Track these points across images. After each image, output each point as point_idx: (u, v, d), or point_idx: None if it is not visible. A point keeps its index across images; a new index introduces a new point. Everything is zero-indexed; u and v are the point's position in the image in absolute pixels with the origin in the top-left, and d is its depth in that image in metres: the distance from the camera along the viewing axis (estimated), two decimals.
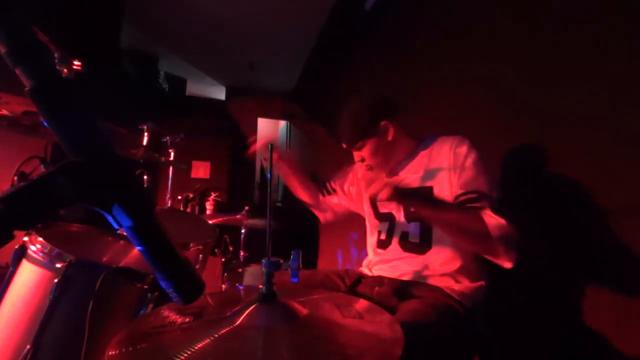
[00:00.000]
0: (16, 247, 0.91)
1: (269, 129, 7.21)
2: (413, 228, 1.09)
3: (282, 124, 7.11)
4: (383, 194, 0.89)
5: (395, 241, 1.13)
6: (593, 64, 1.06)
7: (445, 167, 1.04)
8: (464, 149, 1.03)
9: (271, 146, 0.78)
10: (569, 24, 1.15)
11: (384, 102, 1.16)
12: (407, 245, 1.10)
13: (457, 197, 0.98)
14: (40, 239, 0.88)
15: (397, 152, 1.15)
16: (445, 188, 1.02)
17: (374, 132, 1.11)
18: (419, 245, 1.07)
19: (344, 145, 1.17)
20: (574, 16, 1.14)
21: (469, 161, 1.00)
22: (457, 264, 1.01)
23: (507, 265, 0.89)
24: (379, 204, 1.21)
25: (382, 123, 1.11)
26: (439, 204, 0.98)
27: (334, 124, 1.21)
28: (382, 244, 1.17)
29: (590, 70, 1.07)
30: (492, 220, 0.88)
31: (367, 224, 1.30)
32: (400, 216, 1.14)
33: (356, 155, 1.16)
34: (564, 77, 1.16)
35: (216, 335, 0.50)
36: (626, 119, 0.96)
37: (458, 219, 0.92)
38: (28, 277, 0.87)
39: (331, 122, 3.86)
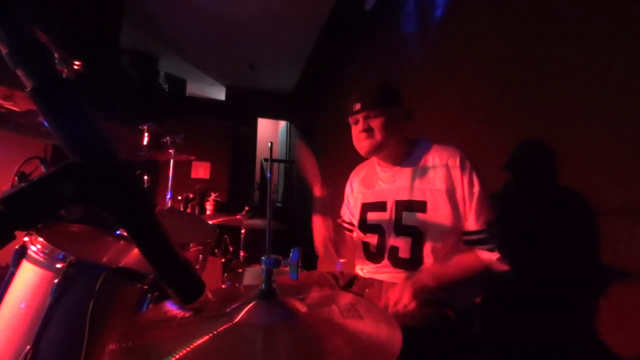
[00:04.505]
0: (16, 247, 0.91)
1: (268, 129, 7.23)
2: (403, 243, 1.07)
3: (282, 124, 7.12)
4: (409, 303, 0.88)
5: (385, 256, 1.11)
6: (593, 64, 1.06)
7: (440, 185, 1.03)
8: (466, 174, 1.02)
9: (271, 144, 0.78)
10: (571, 20, 1.15)
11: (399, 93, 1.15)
12: (397, 261, 1.08)
13: (469, 233, 1.01)
14: (41, 239, 0.87)
15: (393, 146, 1.12)
16: (441, 208, 1.02)
17: (392, 107, 1.09)
18: (409, 261, 1.05)
19: (357, 106, 1.09)
20: (576, 14, 1.14)
21: (475, 188, 1.00)
22: None
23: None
24: (368, 214, 1.18)
25: (401, 105, 1.11)
26: (457, 272, 1.01)
27: (341, 115, 1.16)
28: (372, 258, 1.14)
29: (591, 70, 1.07)
30: (497, 265, 0.99)
31: (355, 232, 1.27)
32: (390, 230, 1.10)
33: (362, 123, 1.09)
34: (565, 77, 1.16)
35: (215, 332, 0.50)
36: (627, 118, 0.96)
37: (472, 272, 1.01)
38: (28, 277, 0.87)
39: (330, 122, 3.87)
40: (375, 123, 1.08)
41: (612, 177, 1.00)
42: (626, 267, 0.95)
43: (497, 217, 1.01)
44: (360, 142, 1.12)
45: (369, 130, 1.09)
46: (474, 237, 1.00)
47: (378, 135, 1.08)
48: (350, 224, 1.31)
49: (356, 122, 1.12)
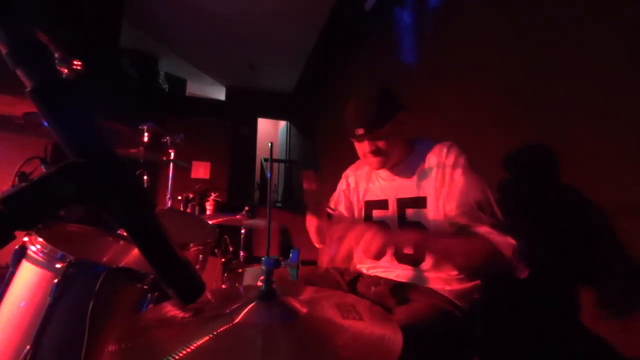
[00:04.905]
0: (16, 247, 0.91)
1: (268, 129, 7.24)
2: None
3: (282, 124, 7.12)
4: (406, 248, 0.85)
5: (389, 252, 1.11)
6: (593, 64, 1.06)
7: (437, 181, 1.02)
8: (450, 159, 1.00)
9: (271, 145, 0.78)
10: (570, 21, 1.15)
11: (396, 95, 1.10)
12: (401, 256, 1.08)
13: (451, 217, 0.96)
14: (40, 239, 0.87)
15: (398, 150, 1.11)
16: (439, 204, 1.01)
17: (394, 121, 1.05)
18: (413, 256, 1.05)
19: (361, 131, 1.04)
20: (576, 14, 1.14)
21: (458, 172, 0.98)
22: (452, 272, 1.01)
23: (522, 275, 0.88)
24: (373, 211, 1.18)
25: (401, 112, 1.07)
26: (449, 241, 0.92)
27: (341, 115, 1.13)
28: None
29: (591, 70, 1.07)
30: (501, 239, 0.87)
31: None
32: (394, 226, 1.11)
33: (369, 144, 1.07)
34: (566, 77, 1.16)
35: (215, 332, 0.50)
36: (626, 118, 0.96)
37: (469, 249, 0.89)
38: (28, 277, 0.87)
39: (330, 122, 3.87)
40: (382, 143, 1.06)
41: (612, 177, 1.00)
42: (626, 266, 0.95)
43: (486, 195, 0.94)
44: (369, 160, 1.11)
45: (376, 151, 1.07)
46: (459, 219, 0.95)
47: (387, 153, 1.07)
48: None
49: (361, 141, 1.10)
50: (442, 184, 1.01)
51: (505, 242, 0.86)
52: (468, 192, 0.95)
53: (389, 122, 1.04)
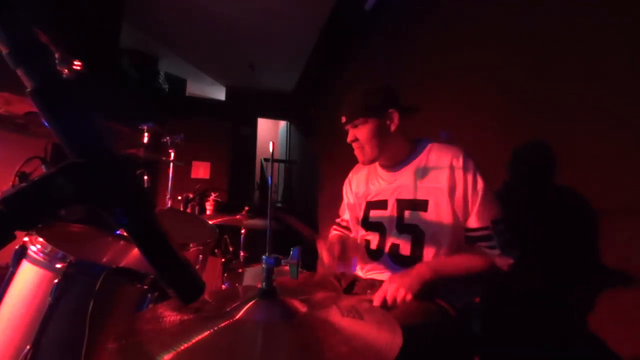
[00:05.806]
0: (16, 247, 0.91)
1: (268, 129, 7.24)
2: (404, 240, 1.08)
3: (282, 124, 7.12)
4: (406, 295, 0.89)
5: (386, 253, 1.11)
6: (593, 64, 1.06)
7: (443, 184, 1.02)
8: (470, 170, 1.01)
9: (272, 144, 0.78)
10: (570, 21, 1.15)
11: (397, 93, 1.12)
12: (398, 258, 1.08)
13: (471, 229, 1.01)
14: (41, 239, 0.87)
15: (392, 149, 1.11)
16: (443, 207, 1.02)
17: (379, 115, 1.07)
18: (410, 258, 1.06)
19: (343, 119, 1.11)
20: (577, 14, 1.14)
21: (479, 187, 1.00)
22: None
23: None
24: (371, 212, 1.18)
25: (391, 109, 1.08)
26: (456, 267, 1.01)
27: (337, 117, 1.15)
28: (373, 255, 1.15)
29: (591, 70, 1.07)
30: (503, 261, 0.99)
31: (353, 229, 1.28)
32: (391, 227, 1.11)
33: (350, 133, 1.11)
34: (566, 77, 1.16)
35: (215, 329, 0.50)
36: (627, 118, 0.96)
37: (473, 268, 1.00)
38: (28, 277, 0.87)
39: (330, 122, 3.87)
40: (360, 134, 1.08)
41: (612, 177, 1.00)
42: (626, 267, 0.95)
43: (502, 215, 1.01)
44: (354, 152, 1.14)
45: (355, 141, 1.10)
46: (476, 233, 1.01)
47: (366, 146, 1.09)
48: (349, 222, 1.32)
49: (347, 131, 1.13)
50: (455, 189, 1.01)
51: (502, 262, 0.99)
52: (487, 210, 1.00)
53: (373, 115, 1.06)
